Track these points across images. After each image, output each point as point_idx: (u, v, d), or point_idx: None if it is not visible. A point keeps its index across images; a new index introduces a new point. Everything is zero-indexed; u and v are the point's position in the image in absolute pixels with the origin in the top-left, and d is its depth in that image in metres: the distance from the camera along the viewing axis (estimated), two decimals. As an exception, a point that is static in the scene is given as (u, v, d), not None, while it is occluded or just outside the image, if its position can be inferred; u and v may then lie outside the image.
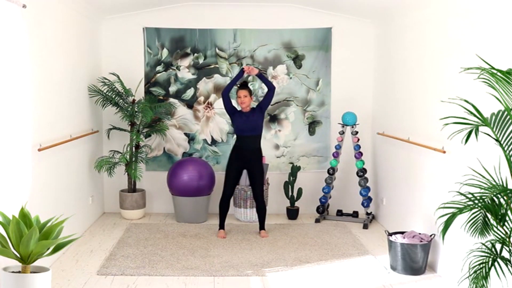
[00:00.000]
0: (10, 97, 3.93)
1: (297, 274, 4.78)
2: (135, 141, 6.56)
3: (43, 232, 3.50)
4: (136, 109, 6.49)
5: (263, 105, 5.89)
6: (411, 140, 5.38)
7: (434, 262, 4.84)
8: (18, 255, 3.44)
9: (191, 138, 6.97)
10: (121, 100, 6.51)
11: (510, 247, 2.89)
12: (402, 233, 4.99)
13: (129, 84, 6.64)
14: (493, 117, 2.93)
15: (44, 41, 4.81)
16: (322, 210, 6.68)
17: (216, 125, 6.95)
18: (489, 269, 2.89)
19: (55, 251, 3.59)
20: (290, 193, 6.77)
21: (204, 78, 6.91)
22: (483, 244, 2.99)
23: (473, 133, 2.79)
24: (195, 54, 6.87)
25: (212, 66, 6.90)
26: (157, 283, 4.52)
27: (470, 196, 2.87)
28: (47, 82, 4.89)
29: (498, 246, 2.97)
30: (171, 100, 6.90)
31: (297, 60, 6.93)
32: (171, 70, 6.89)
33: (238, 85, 5.90)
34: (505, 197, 2.83)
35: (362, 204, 6.56)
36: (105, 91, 6.45)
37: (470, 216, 2.96)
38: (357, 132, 6.61)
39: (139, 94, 6.79)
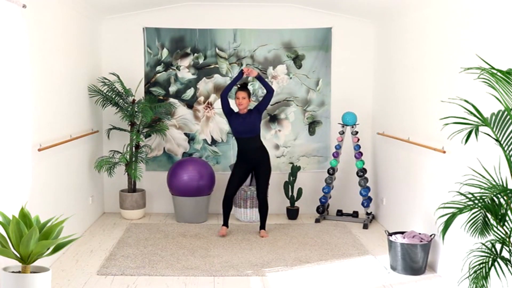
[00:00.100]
0: (10, 97, 3.93)
1: (297, 274, 4.78)
2: (135, 141, 6.56)
3: (43, 232, 3.50)
4: (136, 109, 6.49)
5: (261, 107, 5.89)
6: (411, 140, 5.38)
7: (434, 262, 4.84)
8: (18, 255, 3.44)
9: (191, 138, 6.97)
10: (121, 100, 6.52)
11: (510, 247, 2.89)
12: (402, 233, 4.98)
13: (129, 84, 6.64)
14: (493, 117, 2.93)
15: (44, 41, 4.81)
16: (322, 210, 6.68)
17: (216, 125, 6.95)
18: (489, 269, 2.89)
19: (55, 251, 3.59)
20: (290, 193, 6.77)
21: (204, 78, 6.91)
22: (483, 244, 2.99)
23: (473, 133, 2.79)
24: (195, 54, 6.88)
25: (212, 66, 6.90)
26: (157, 283, 4.52)
27: (470, 196, 2.87)
28: (47, 82, 4.89)
29: (498, 246, 2.97)
30: (171, 100, 6.90)
31: (297, 60, 6.93)
32: (171, 70, 6.89)
33: (238, 86, 5.90)
34: (505, 197, 2.83)
35: (362, 204, 6.56)
36: (105, 91, 6.45)
37: (470, 216, 2.96)
38: (357, 132, 6.61)
39: (139, 94, 6.79)
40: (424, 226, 5.06)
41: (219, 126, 6.94)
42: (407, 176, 5.58)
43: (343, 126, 6.64)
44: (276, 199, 6.92)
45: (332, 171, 6.67)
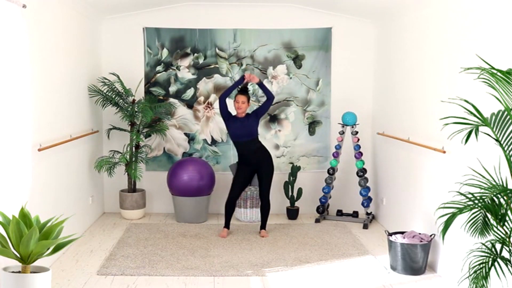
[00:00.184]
0: (10, 97, 3.93)
1: (297, 274, 4.78)
2: (135, 141, 6.56)
3: (43, 232, 3.50)
4: (136, 109, 6.49)
5: (259, 113, 5.89)
6: (411, 140, 5.38)
7: (434, 262, 4.84)
8: (18, 255, 3.44)
9: (191, 138, 6.97)
10: (121, 100, 6.52)
11: (510, 247, 2.89)
12: (402, 233, 4.98)
13: (129, 84, 6.64)
14: (493, 117, 2.93)
15: (44, 41, 4.81)
16: (322, 210, 6.68)
17: (216, 125, 6.95)
18: (489, 269, 2.89)
19: (55, 251, 3.59)
20: (290, 193, 6.77)
21: (204, 78, 6.91)
22: (483, 244, 2.99)
23: (473, 133, 2.79)
24: (195, 54, 6.88)
25: (212, 66, 6.90)
26: (157, 283, 4.52)
27: (470, 196, 2.87)
28: (47, 82, 4.89)
29: (498, 246, 2.97)
30: (171, 100, 6.90)
31: (297, 60, 6.93)
32: (171, 70, 6.89)
33: (239, 88, 5.89)
34: (505, 197, 2.83)
35: (362, 204, 6.56)
36: (105, 91, 6.45)
37: (470, 216, 2.96)
38: (357, 132, 6.61)
39: (139, 94, 6.79)
40: (424, 226, 5.06)
41: (219, 126, 6.93)
42: (407, 176, 5.58)
43: (343, 126, 6.65)
44: (276, 199, 6.91)
45: (332, 171, 6.67)
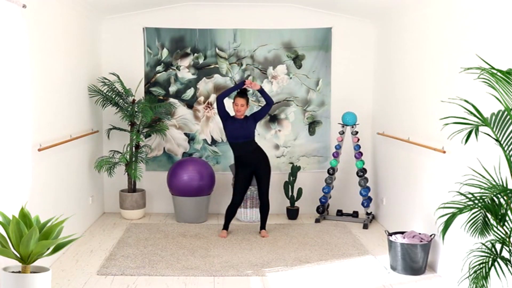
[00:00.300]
0: (10, 97, 3.93)
1: (297, 274, 4.78)
2: (135, 141, 6.56)
3: (43, 232, 3.50)
4: (136, 109, 6.49)
5: (257, 117, 5.89)
6: (411, 140, 5.38)
7: (434, 262, 4.84)
8: (18, 255, 3.44)
9: (191, 138, 6.97)
10: (121, 100, 6.51)
11: (510, 247, 2.89)
12: (402, 233, 4.98)
13: (129, 84, 6.64)
14: (493, 117, 2.93)
15: (44, 41, 4.81)
16: (322, 210, 6.68)
17: (216, 125, 6.94)
18: (489, 269, 2.89)
19: (55, 251, 3.59)
20: (290, 193, 6.77)
21: (204, 78, 6.91)
22: (483, 244, 2.99)
23: (473, 133, 2.79)
24: (195, 54, 6.87)
25: (212, 66, 6.90)
26: (157, 283, 4.52)
27: (470, 196, 2.87)
28: (47, 82, 4.89)
29: (498, 246, 2.97)
30: (171, 100, 6.90)
31: (297, 60, 6.93)
32: (171, 70, 6.89)
33: (238, 91, 5.89)
34: (505, 197, 2.83)
35: (362, 204, 6.56)
36: (105, 91, 6.45)
37: (470, 216, 2.96)
38: (357, 132, 6.61)
39: (139, 94, 6.79)
40: (424, 226, 5.06)
41: (219, 126, 6.93)
42: (407, 176, 5.58)
43: (343, 126, 6.64)
44: (276, 199, 6.91)
45: (332, 171, 6.67)
